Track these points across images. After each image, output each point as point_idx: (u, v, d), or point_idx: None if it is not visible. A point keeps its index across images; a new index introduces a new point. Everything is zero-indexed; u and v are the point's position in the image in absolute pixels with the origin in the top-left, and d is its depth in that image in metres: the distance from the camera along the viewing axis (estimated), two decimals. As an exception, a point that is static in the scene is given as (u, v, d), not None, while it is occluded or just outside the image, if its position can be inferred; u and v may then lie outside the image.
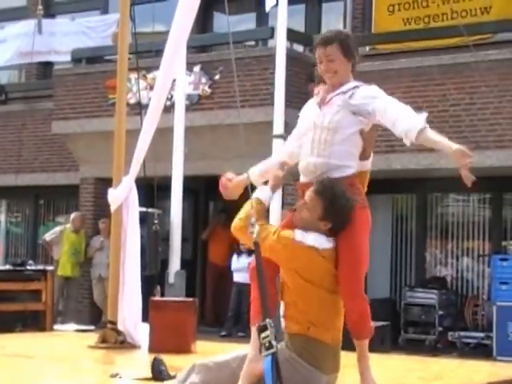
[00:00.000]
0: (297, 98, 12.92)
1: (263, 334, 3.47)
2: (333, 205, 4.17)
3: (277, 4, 10.92)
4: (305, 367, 3.71)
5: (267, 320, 3.49)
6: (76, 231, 14.16)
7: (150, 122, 6.92)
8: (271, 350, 3.42)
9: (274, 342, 3.44)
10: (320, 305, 4.00)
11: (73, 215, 14.33)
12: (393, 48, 13.91)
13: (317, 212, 4.17)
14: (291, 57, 12.01)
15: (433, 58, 12.45)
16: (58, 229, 14.39)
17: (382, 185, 13.49)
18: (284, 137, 10.88)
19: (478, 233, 13.38)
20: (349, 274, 4.12)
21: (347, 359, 5.72)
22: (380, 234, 13.53)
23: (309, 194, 4.23)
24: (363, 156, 4.34)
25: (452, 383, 4.53)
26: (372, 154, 4.44)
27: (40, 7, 16.05)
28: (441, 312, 12.47)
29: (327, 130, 4.24)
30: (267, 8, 11.40)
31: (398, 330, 12.44)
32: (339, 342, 4.19)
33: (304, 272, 3.96)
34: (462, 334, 12.12)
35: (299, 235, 4.00)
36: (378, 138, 12.55)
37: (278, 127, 10.81)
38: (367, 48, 14.45)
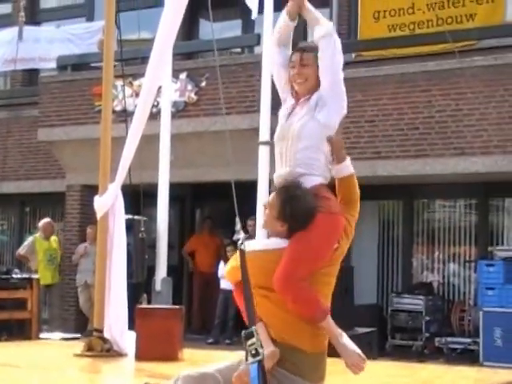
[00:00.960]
0: (283, 105, 12.95)
1: (249, 342, 3.45)
2: (290, 204, 4.08)
3: (262, 11, 10.92)
4: (287, 377, 3.68)
5: (253, 327, 3.48)
6: (47, 238, 14.10)
7: (136, 129, 6.90)
8: (257, 358, 3.41)
9: (260, 350, 3.43)
10: (285, 311, 3.94)
11: (41, 223, 14.28)
12: (378, 55, 13.94)
13: (274, 211, 4.12)
14: (277, 63, 12.01)
15: (418, 64, 12.49)
16: (29, 239, 14.32)
17: (367, 191, 13.49)
18: (270, 143, 10.88)
19: (465, 238, 13.42)
20: (287, 258, 3.95)
21: (333, 366, 5.72)
22: (366, 241, 13.55)
23: (272, 192, 4.21)
24: (337, 161, 4.30)
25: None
26: (348, 158, 4.39)
27: (22, 14, 16.01)
28: (427, 318, 12.48)
29: (291, 139, 4.22)
30: (253, 15, 11.40)
31: (385, 336, 12.45)
32: (322, 349, 4.12)
33: (259, 280, 3.91)
34: (449, 339, 12.13)
35: (248, 245, 3.90)
36: (364, 145, 12.73)
37: (264, 134, 10.78)
38: (353, 55, 14.48)
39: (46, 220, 14.35)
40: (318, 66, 4.32)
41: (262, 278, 3.94)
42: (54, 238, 14.28)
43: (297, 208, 4.08)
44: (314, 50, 4.35)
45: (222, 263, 13.32)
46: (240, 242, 3.82)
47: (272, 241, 4.11)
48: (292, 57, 4.41)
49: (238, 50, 14.44)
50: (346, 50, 15.70)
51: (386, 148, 12.47)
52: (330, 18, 14.64)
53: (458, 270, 13.47)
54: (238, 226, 3.91)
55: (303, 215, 4.08)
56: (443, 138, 12.09)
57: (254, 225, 12.19)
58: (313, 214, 4.10)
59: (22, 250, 14.16)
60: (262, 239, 4.02)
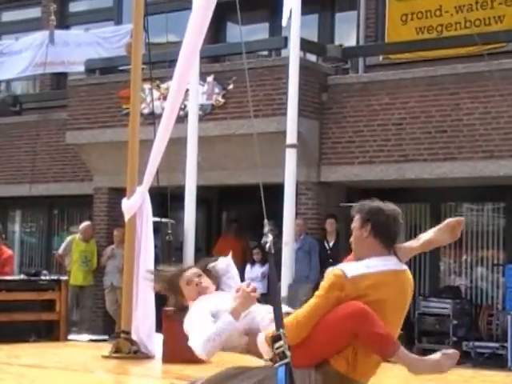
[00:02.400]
0: (310, 108, 12.94)
1: (276, 344, 3.46)
2: (364, 205, 4.21)
3: (290, 14, 10.93)
4: None
5: (281, 330, 3.48)
6: (86, 240, 14.21)
7: (164, 132, 6.93)
8: (285, 360, 3.41)
9: (287, 352, 3.43)
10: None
11: (82, 226, 14.36)
12: (406, 57, 13.91)
13: (357, 224, 4.19)
14: (304, 66, 12.03)
15: (446, 67, 12.43)
16: (67, 239, 14.45)
17: (395, 194, 13.48)
18: (297, 146, 10.89)
19: (492, 242, 13.33)
20: None
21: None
22: (394, 244, 13.50)
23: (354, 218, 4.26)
24: None
25: (467, 394, 4.50)
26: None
27: (52, 18, 16.14)
28: (455, 322, 12.41)
29: None
30: (284, 22, 11.40)
31: (412, 340, 12.39)
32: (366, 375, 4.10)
33: None
34: (477, 343, 12.05)
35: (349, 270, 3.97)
36: (391, 148, 12.67)
37: (291, 137, 10.81)
38: (380, 58, 14.46)
39: (86, 223, 14.46)
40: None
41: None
42: (92, 241, 14.40)
43: (374, 204, 4.19)
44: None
45: (248, 266, 13.33)
46: (268, 245, 3.82)
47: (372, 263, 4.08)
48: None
49: (265, 52, 14.47)
50: (374, 52, 15.76)
51: (413, 151, 12.42)
52: (358, 21, 14.64)
53: (486, 274, 13.38)
54: (267, 228, 3.91)
55: (382, 210, 4.18)
56: (471, 141, 12.03)
57: (300, 224, 12.24)
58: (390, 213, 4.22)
59: (61, 251, 14.33)
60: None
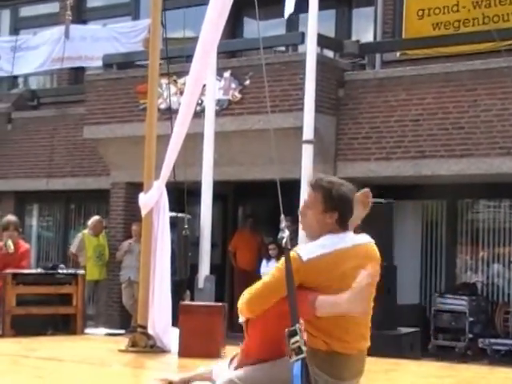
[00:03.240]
0: (327, 104, 12.93)
1: (293, 340, 3.47)
2: (331, 193, 4.10)
3: (301, 11, 10.93)
4: (325, 380, 3.67)
5: (297, 325, 3.49)
6: (96, 235, 14.25)
7: (181, 127, 6.94)
8: (301, 356, 3.42)
9: (303, 347, 3.44)
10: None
11: (92, 221, 14.38)
12: (423, 53, 13.86)
13: (319, 206, 4.11)
14: (321, 62, 12.01)
15: (464, 63, 12.39)
16: (78, 236, 14.48)
17: (412, 191, 13.47)
18: (313, 142, 10.88)
19: (509, 239, 13.27)
20: None
21: (376, 365, 5.72)
22: (410, 240, 13.48)
23: (307, 193, 4.20)
24: None
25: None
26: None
27: (68, 13, 16.19)
28: (471, 319, 12.38)
29: None
30: (285, 15, 11.43)
31: (428, 337, 12.37)
32: (363, 350, 4.13)
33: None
34: (493, 341, 12.02)
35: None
36: (408, 144, 12.64)
37: (308, 133, 10.80)
38: (397, 53, 14.42)
39: (96, 218, 14.49)
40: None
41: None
42: (102, 234, 14.44)
43: (341, 194, 4.10)
44: None
45: (264, 261, 13.35)
46: (284, 240, 3.83)
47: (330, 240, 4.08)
48: None
49: (282, 48, 14.46)
50: (391, 48, 15.71)
51: (430, 147, 12.39)
52: (375, 17, 14.61)
53: (503, 271, 13.33)
54: (283, 224, 3.92)
55: (350, 201, 4.12)
56: (488, 138, 11.98)
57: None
58: (352, 199, 4.14)
59: (73, 248, 14.36)
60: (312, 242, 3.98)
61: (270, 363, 4.10)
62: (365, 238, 4.25)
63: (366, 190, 4.53)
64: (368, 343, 4.17)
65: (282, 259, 3.99)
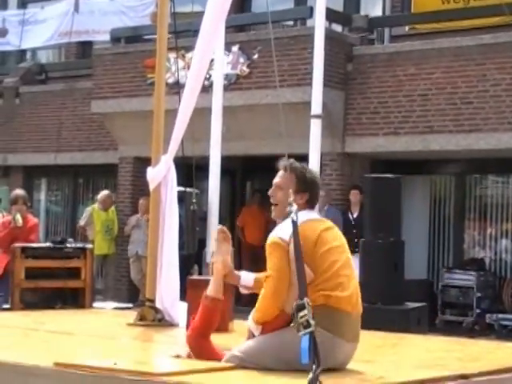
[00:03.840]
0: (335, 78, 12.89)
1: (301, 313, 3.48)
2: (305, 175, 4.40)
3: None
4: (324, 335, 3.71)
5: (305, 299, 3.51)
6: (105, 209, 14.27)
7: (188, 102, 6.92)
8: (309, 329, 3.43)
9: (311, 321, 3.45)
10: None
11: (101, 195, 14.40)
12: (432, 28, 13.79)
13: (292, 186, 4.34)
14: (330, 36, 11.95)
15: (473, 37, 12.32)
16: (87, 210, 14.52)
17: (420, 166, 13.45)
18: (322, 117, 10.84)
19: (517, 214, 13.27)
20: None
21: (385, 339, 5.74)
22: (418, 215, 13.48)
23: (278, 175, 4.44)
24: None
25: (491, 365, 4.51)
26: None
27: (77, -14, 16.15)
28: (479, 294, 12.40)
29: None
30: None
31: (435, 312, 12.39)
32: (358, 310, 4.20)
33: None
34: (500, 316, 12.04)
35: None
36: (416, 119, 12.60)
37: (316, 107, 10.74)
38: (406, 28, 14.34)
39: (105, 192, 14.51)
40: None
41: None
42: (112, 209, 14.47)
43: (312, 179, 4.43)
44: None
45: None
46: (293, 214, 3.84)
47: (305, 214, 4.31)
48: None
49: (291, 22, 14.39)
50: (400, 22, 15.62)
51: (438, 122, 12.35)
52: (384, -9, 14.51)
53: (511, 247, 13.33)
54: (291, 198, 3.94)
55: (318, 187, 4.45)
56: (497, 113, 11.94)
57: (323, 195, 12.20)
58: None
59: (82, 222, 14.41)
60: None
61: (272, 335, 4.14)
62: None
63: (219, 227, 4.82)
64: (361, 308, 4.24)
65: (269, 242, 4.24)
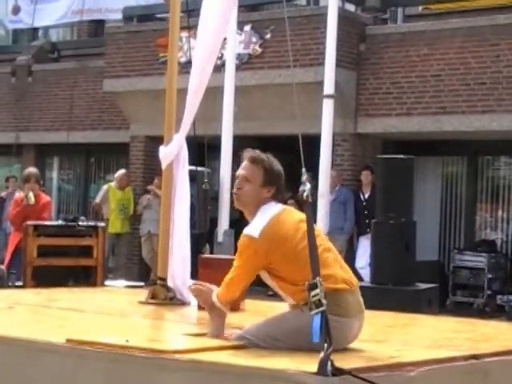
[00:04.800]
0: (348, 58, 12.84)
1: (313, 293, 3.49)
2: (272, 168, 4.33)
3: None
4: (334, 320, 3.72)
5: (317, 278, 3.51)
6: (122, 188, 14.31)
7: (199, 80, 6.90)
8: (321, 308, 3.44)
9: (323, 300, 3.46)
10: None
11: (118, 174, 14.45)
12: (445, 8, 13.71)
13: (258, 179, 4.30)
14: (342, 16, 11.91)
15: (486, 17, 12.25)
16: (104, 188, 14.57)
17: (432, 147, 13.40)
18: (334, 97, 10.82)
19: (530, 196, 13.23)
20: None
21: (396, 319, 5.75)
22: (429, 196, 13.46)
23: (244, 166, 4.36)
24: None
25: (502, 346, 4.52)
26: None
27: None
28: (490, 275, 12.39)
29: None
30: None
31: (446, 293, 12.40)
32: (354, 283, 4.21)
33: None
34: (511, 297, 12.03)
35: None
36: (429, 100, 12.55)
37: (329, 87, 10.74)
38: (420, 8, 14.26)
39: (122, 171, 14.56)
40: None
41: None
42: (128, 188, 14.51)
43: (279, 172, 4.35)
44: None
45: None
46: (306, 193, 3.83)
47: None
48: None
49: (304, 2, 14.33)
50: (413, 2, 15.51)
51: (451, 103, 12.31)
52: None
53: (523, 228, 13.31)
54: (304, 177, 3.93)
55: (282, 180, 4.37)
56: (510, 94, 11.88)
57: (334, 176, 12.16)
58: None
59: (98, 199, 14.48)
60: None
61: (284, 315, 4.15)
62: None
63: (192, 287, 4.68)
64: (355, 278, 4.25)
65: (240, 241, 4.21)
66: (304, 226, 4.05)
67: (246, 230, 4.19)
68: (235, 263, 4.27)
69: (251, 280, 4.29)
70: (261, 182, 4.30)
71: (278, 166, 4.39)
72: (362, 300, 4.22)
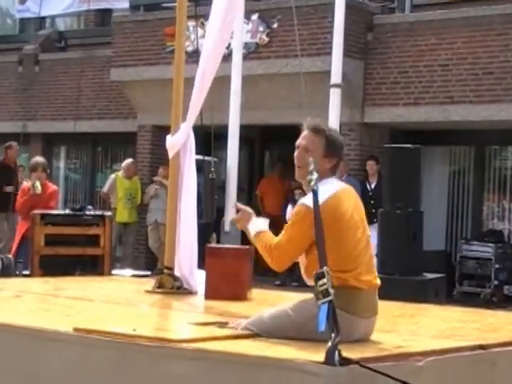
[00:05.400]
0: (355, 48, 12.80)
1: (320, 282, 3.48)
2: (334, 138, 4.20)
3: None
4: (340, 314, 3.70)
5: (324, 267, 3.50)
6: (129, 178, 14.31)
7: (207, 70, 6.89)
8: (328, 298, 3.43)
9: (330, 290, 3.45)
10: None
11: (125, 163, 14.46)
12: (454, -3, 13.65)
13: (320, 150, 4.16)
14: (350, 5, 11.85)
15: (495, 7, 12.20)
16: (111, 177, 14.57)
17: (439, 136, 13.37)
18: (341, 86, 10.79)
19: (537, 186, 13.20)
20: None
21: (403, 309, 5.75)
22: (437, 186, 13.44)
23: (304, 135, 4.21)
24: None
25: (510, 336, 4.50)
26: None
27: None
28: (497, 265, 12.37)
29: None
30: None
31: (453, 283, 12.39)
32: (375, 285, 4.16)
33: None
34: (518, 288, 12.04)
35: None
36: (436, 89, 12.51)
37: (336, 77, 10.69)
38: (428, -3, 14.21)
39: (130, 160, 14.56)
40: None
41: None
42: (135, 178, 14.51)
43: (340, 142, 4.27)
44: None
45: (289, 206, 13.36)
46: (313, 182, 3.82)
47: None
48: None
49: (311, -9, 14.25)
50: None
51: (459, 93, 12.27)
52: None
53: (530, 219, 13.28)
54: (312, 166, 3.91)
55: (343, 148, 4.35)
56: (519, 84, 11.84)
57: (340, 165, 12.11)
58: None
59: (105, 188, 14.48)
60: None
61: (293, 305, 4.13)
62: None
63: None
64: (378, 280, 4.19)
65: (295, 210, 4.13)
66: (356, 215, 4.08)
67: (304, 200, 4.06)
68: (285, 231, 4.15)
69: (299, 251, 4.14)
70: (322, 153, 4.16)
71: (339, 136, 4.29)
72: (376, 304, 4.16)
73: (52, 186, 10.07)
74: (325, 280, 3.49)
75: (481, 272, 12.41)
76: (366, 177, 12.76)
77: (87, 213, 8.93)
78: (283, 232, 4.19)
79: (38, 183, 9.61)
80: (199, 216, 7.20)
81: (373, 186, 12.54)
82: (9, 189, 12.06)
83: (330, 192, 4.07)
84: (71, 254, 8.54)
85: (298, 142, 4.24)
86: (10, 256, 9.01)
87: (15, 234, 10.05)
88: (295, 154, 4.24)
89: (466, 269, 12.55)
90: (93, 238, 8.70)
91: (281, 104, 12.95)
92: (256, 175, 15.57)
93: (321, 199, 3.88)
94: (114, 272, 8.89)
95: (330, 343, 3.35)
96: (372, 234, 4.46)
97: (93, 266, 8.53)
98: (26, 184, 10.06)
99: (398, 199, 8.93)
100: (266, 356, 3.60)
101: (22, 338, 4.29)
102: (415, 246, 8.93)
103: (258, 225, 4.38)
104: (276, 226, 15.62)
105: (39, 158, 10.37)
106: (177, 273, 6.62)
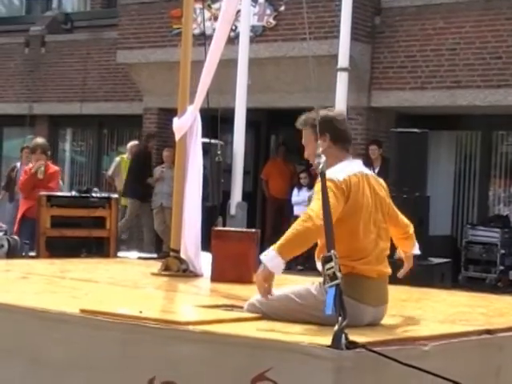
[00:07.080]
0: (362, 31, 12.74)
1: (327, 265, 3.47)
2: (314, 119, 4.19)
3: None
4: (348, 302, 3.68)
5: (332, 251, 3.50)
6: None
7: (215, 53, 6.87)
8: (335, 281, 3.43)
9: (338, 274, 3.44)
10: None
11: (130, 145, 14.44)
12: (462, -20, 13.56)
13: (312, 137, 4.21)
14: (358, -12, 11.80)
15: (504, -9, 12.12)
16: (116, 160, 14.55)
17: (446, 121, 13.33)
18: (348, 70, 10.74)
19: (543, 172, 13.16)
20: None
21: (409, 294, 5.74)
22: (443, 170, 13.40)
23: (303, 137, 4.29)
24: None
25: (516, 320, 4.51)
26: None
27: None
28: (502, 251, 12.37)
29: None
30: None
31: (459, 268, 12.39)
32: (385, 273, 4.16)
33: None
34: (524, 273, 12.03)
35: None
36: (444, 74, 12.44)
37: (343, 60, 10.65)
38: (436, -20, 14.12)
39: (134, 142, 14.54)
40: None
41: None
42: None
43: (325, 112, 4.30)
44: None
45: (295, 190, 13.35)
46: (321, 165, 3.81)
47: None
48: None
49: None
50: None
51: (466, 77, 12.22)
52: None
53: (536, 204, 13.26)
54: (320, 149, 3.90)
55: (332, 118, 4.33)
56: (527, 68, 11.79)
57: None
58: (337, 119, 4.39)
59: (109, 171, 14.47)
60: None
61: (300, 288, 4.13)
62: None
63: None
64: (389, 269, 4.17)
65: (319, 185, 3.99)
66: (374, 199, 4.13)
67: (328, 173, 3.95)
68: (314, 202, 4.01)
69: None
70: (314, 138, 4.18)
71: (324, 112, 4.31)
72: (385, 293, 4.16)
73: (53, 167, 10.06)
74: (332, 264, 3.48)
75: (486, 257, 12.40)
76: (371, 162, 12.72)
77: (93, 195, 8.93)
78: (313, 203, 4.06)
79: (42, 169, 9.62)
80: (205, 199, 7.21)
81: (376, 171, 12.48)
82: (150, 180, 13.51)
83: (349, 170, 4.15)
84: (77, 236, 8.56)
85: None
86: (16, 237, 9.03)
87: None
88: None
89: (472, 254, 12.54)
90: (99, 220, 8.71)
91: (287, 87, 12.91)
92: (262, 159, 15.54)
93: (341, 176, 4.02)
94: (119, 254, 8.89)
95: (336, 327, 3.35)
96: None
97: (98, 248, 8.55)
98: (30, 165, 10.06)
99: (405, 183, 8.92)
100: (273, 339, 3.60)
101: (28, 319, 4.29)
102: (421, 230, 8.91)
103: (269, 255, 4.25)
104: (282, 208, 15.61)
105: (39, 140, 10.35)
106: (183, 255, 6.62)
